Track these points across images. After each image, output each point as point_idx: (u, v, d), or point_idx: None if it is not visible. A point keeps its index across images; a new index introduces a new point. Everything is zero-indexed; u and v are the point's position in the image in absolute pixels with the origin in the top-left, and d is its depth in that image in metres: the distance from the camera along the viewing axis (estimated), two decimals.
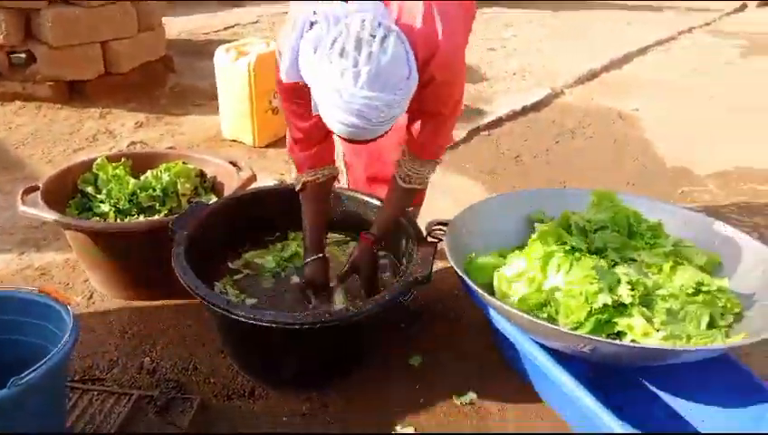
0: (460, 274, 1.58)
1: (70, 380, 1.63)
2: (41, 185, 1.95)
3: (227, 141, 3.23)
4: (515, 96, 3.99)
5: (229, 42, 4.67)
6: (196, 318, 1.94)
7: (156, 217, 2.03)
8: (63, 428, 1.43)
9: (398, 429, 1.57)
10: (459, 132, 3.33)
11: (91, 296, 2.01)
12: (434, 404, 1.65)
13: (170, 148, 3.08)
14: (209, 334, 1.86)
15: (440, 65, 1.47)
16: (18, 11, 3.18)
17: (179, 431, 1.51)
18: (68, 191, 2.05)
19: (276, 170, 2.98)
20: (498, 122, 3.58)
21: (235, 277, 1.88)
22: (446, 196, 2.63)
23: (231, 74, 3.05)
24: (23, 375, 1.15)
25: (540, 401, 1.67)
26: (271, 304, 1.78)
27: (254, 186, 2.11)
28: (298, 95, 1.52)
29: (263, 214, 1.97)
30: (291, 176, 2.90)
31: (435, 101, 1.56)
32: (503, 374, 1.73)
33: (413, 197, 1.76)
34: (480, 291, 1.53)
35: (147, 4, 3.65)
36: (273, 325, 1.39)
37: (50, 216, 1.79)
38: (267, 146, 3.20)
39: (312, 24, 1.36)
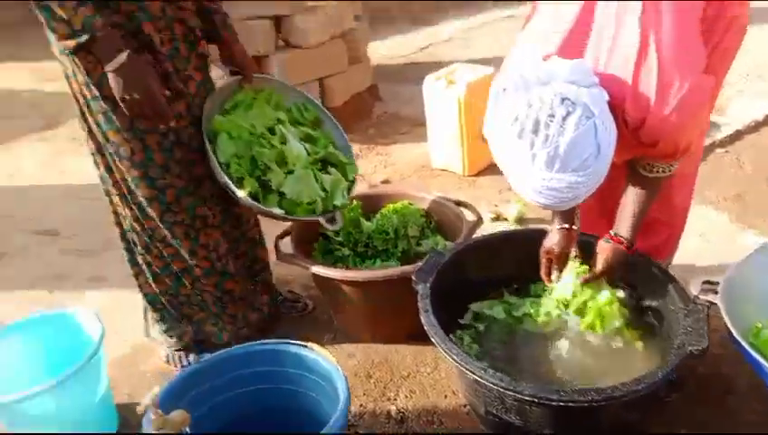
0: (750, 352, 1.38)
1: None
2: (291, 230, 2.15)
3: (437, 171, 3.27)
4: (754, 101, 3.47)
5: (426, 63, 4.83)
6: (434, 365, 1.98)
7: (391, 261, 2.11)
8: None
9: None
10: None
11: (335, 336, 2.16)
12: None
13: (385, 181, 3.22)
14: (449, 385, 1.88)
15: (651, 134, 1.36)
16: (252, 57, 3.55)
17: None
18: (313, 234, 2.20)
19: (490, 200, 2.95)
20: (737, 136, 3.15)
21: (466, 330, 1.84)
22: (689, 230, 2.36)
23: (441, 104, 3.08)
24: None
25: None
26: (508, 360, 1.73)
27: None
28: None
29: (497, 262, 1.94)
30: (505, 207, 2.86)
31: (660, 157, 1.46)
32: None
33: (657, 190, 1.59)
34: None
35: (353, 37, 3.85)
36: (535, 400, 1.35)
37: (311, 266, 1.95)
38: (478, 174, 3.18)
39: (504, 89, 1.34)
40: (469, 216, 2.16)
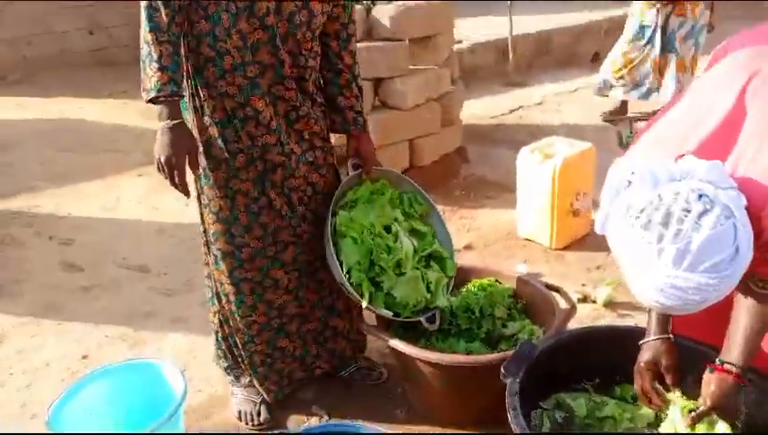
0: None
1: None
2: None
3: (522, 240, 3.18)
4: None
5: (516, 126, 4.79)
6: None
7: (475, 342, 2.03)
8: None
9: None
10: None
11: (408, 410, 2.08)
12: None
13: (467, 246, 3.16)
14: None
15: None
16: None
17: None
18: None
19: (576, 279, 2.82)
20: None
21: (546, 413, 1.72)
22: None
23: (535, 176, 3.01)
24: None
25: None
26: None
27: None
28: None
29: (589, 357, 1.82)
30: (593, 288, 2.72)
31: None
32: None
33: None
34: None
35: (450, 99, 3.87)
36: None
37: (391, 341, 1.91)
38: (564, 248, 3.07)
39: (629, 182, 1.24)
40: (561, 301, 2.06)
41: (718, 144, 1.31)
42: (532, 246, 3.13)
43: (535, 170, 3.00)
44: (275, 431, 2.00)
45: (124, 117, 5.12)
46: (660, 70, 4.37)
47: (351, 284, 1.86)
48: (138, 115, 5.17)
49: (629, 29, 4.44)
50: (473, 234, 3.31)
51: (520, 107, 5.29)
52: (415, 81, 3.55)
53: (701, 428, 1.48)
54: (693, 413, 1.48)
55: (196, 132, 1.72)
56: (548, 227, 3.05)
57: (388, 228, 1.99)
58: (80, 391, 1.79)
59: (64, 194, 3.83)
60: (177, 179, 1.63)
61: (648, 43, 4.35)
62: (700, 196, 1.15)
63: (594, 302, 2.65)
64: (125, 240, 3.32)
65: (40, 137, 4.68)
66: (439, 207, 3.54)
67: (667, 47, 4.33)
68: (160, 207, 3.68)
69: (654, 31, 4.31)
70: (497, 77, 5.95)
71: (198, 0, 1.62)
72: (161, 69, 1.56)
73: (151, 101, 1.59)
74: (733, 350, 1.43)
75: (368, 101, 3.51)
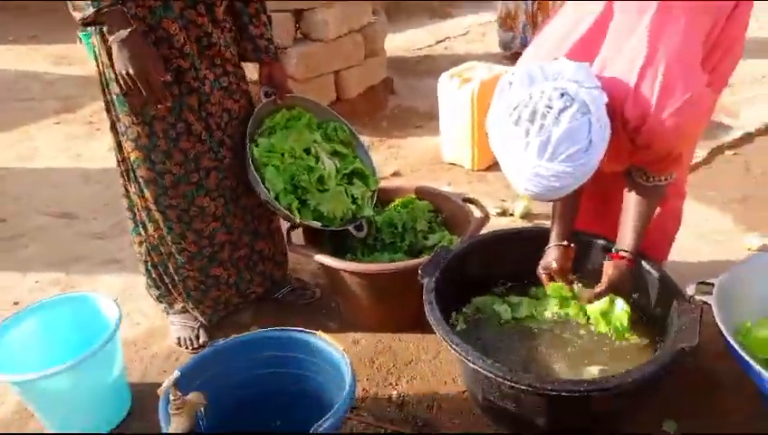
0: (737, 349, 1.43)
1: None
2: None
3: (446, 165, 3.31)
4: (765, 105, 3.48)
5: (442, 56, 4.85)
6: (435, 353, 2.03)
7: (398, 254, 2.15)
8: None
9: None
10: (698, 152, 3.01)
11: (340, 323, 2.21)
12: None
13: (395, 173, 3.26)
14: (449, 372, 1.94)
15: (648, 136, 1.41)
16: None
17: None
18: None
19: (497, 196, 2.98)
20: (747, 139, 3.16)
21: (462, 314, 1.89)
22: (690, 231, 2.39)
23: (455, 102, 3.11)
24: (320, 423, 1.30)
25: None
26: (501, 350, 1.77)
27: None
28: None
29: (501, 259, 1.98)
30: (511, 202, 2.89)
31: (653, 162, 1.51)
32: None
33: (656, 200, 1.63)
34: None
35: (372, 30, 3.87)
36: (529, 389, 1.40)
37: (321, 258, 2.00)
38: (486, 169, 3.22)
39: (509, 83, 1.40)
40: (476, 212, 2.20)
41: (589, 46, 1.46)
42: (455, 169, 3.26)
43: (455, 95, 3.10)
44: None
45: (33, 63, 4.85)
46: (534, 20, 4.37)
47: (281, 205, 1.94)
48: (47, 61, 4.91)
49: None
50: (400, 161, 3.41)
51: (446, 38, 5.33)
52: (335, 11, 3.53)
53: (602, 305, 1.68)
54: (589, 294, 1.68)
55: (105, 58, 1.70)
56: (469, 150, 3.18)
57: (308, 151, 2.07)
58: (11, 329, 1.81)
59: None
60: (154, 87, 1.62)
61: None
62: (562, 94, 1.31)
63: (512, 215, 2.82)
64: (48, 189, 3.25)
65: None
66: (367, 138, 3.66)
67: None
68: (83, 154, 3.59)
69: None
70: (422, 9, 5.95)
71: None
72: None
73: (90, 18, 1.55)
74: (625, 238, 1.64)
75: (289, 33, 3.48)
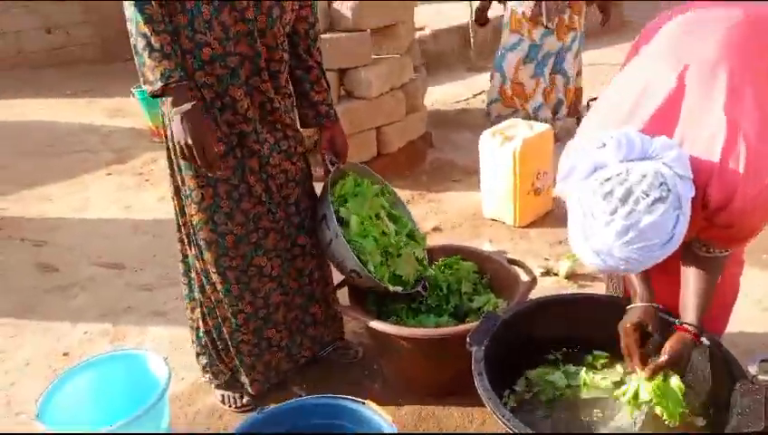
0: None
1: None
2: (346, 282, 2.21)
3: (488, 221, 3.31)
4: None
5: (479, 110, 4.91)
6: (480, 422, 1.99)
7: (444, 317, 2.14)
8: None
9: None
10: None
11: (384, 384, 2.19)
12: None
13: (435, 228, 3.27)
14: None
15: (733, 219, 1.39)
16: None
17: None
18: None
19: (540, 254, 2.96)
20: None
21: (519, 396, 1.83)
22: (748, 300, 2.31)
23: (496, 159, 3.14)
24: None
25: None
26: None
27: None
28: None
29: (550, 324, 1.95)
30: (555, 262, 2.86)
31: (726, 239, 1.49)
32: None
33: (719, 270, 1.57)
34: None
35: (414, 87, 3.96)
36: None
37: (369, 321, 2.00)
38: (528, 226, 3.21)
39: (604, 144, 1.37)
40: (522, 275, 2.19)
41: (664, 121, 1.44)
42: (497, 225, 3.26)
43: (497, 153, 3.12)
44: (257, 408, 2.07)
45: (89, 116, 5.09)
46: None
47: (370, 272, 1.96)
48: (103, 114, 5.15)
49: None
50: (440, 216, 3.43)
51: (482, 91, 5.39)
52: (378, 70, 3.63)
53: (657, 380, 1.62)
54: (650, 365, 1.61)
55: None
56: (511, 206, 3.18)
57: (377, 216, 2.11)
58: (65, 384, 1.85)
59: (31, 196, 3.83)
60: (209, 157, 1.70)
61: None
62: (662, 183, 1.28)
63: (556, 274, 2.79)
64: (99, 239, 3.35)
65: (1, 141, 4.64)
66: (407, 193, 3.70)
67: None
68: (133, 205, 3.71)
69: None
70: (460, 63, 6.07)
71: None
72: (165, 57, 1.62)
73: (158, 91, 1.64)
74: (688, 311, 1.57)
75: (333, 91, 3.57)
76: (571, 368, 1.86)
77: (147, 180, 4.02)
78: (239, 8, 1.72)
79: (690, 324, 1.55)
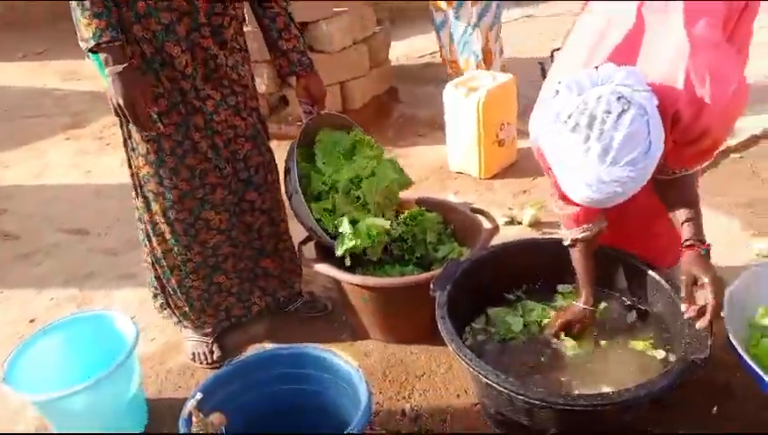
0: (748, 361, 1.44)
1: None
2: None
3: (453, 174, 3.33)
4: None
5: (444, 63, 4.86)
6: (447, 365, 2.05)
7: (408, 267, 2.18)
8: None
9: None
10: None
11: (353, 334, 2.23)
12: None
13: None
14: (462, 385, 1.96)
15: (704, 132, 1.43)
16: None
17: None
18: None
19: (504, 204, 3.00)
20: (752, 141, 3.15)
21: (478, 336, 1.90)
22: None
23: (460, 110, 3.14)
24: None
25: None
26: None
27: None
28: None
29: (511, 270, 2.00)
30: (519, 211, 2.91)
31: (692, 158, 1.55)
32: None
33: (695, 183, 1.65)
34: None
35: (377, 40, 3.91)
36: (543, 403, 1.42)
37: (332, 272, 2.04)
38: (493, 177, 3.24)
39: (557, 92, 1.40)
40: (485, 223, 2.23)
41: (624, 55, 1.47)
42: (462, 178, 3.28)
43: (460, 104, 3.12)
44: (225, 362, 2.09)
45: (43, 79, 4.91)
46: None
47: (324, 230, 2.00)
48: (57, 77, 4.96)
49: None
50: (407, 171, 3.35)
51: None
52: (340, 22, 3.57)
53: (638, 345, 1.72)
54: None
55: None
56: (476, 158, 3.20)
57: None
58: (31, 347, 1.84)
59: None
60: (140, 118, 1.69)
61: None
62: (619, 98, 1.31)
63: (520, 223, 2.84)
64: (60, 205, 3.29)
65: None
66: None
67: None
68: (94, 170, 3.64)
69: None
70: (425, 16, 5.96)
71: None
72: (96, 15, 1.59)
73: (93, 48, 1.62)
74: (685, 231, 1.62)
75: None
76: (529, 304, 1.93)
77: (108, 144, 3.92)
78: None
79: (688, 240, 1.58)
